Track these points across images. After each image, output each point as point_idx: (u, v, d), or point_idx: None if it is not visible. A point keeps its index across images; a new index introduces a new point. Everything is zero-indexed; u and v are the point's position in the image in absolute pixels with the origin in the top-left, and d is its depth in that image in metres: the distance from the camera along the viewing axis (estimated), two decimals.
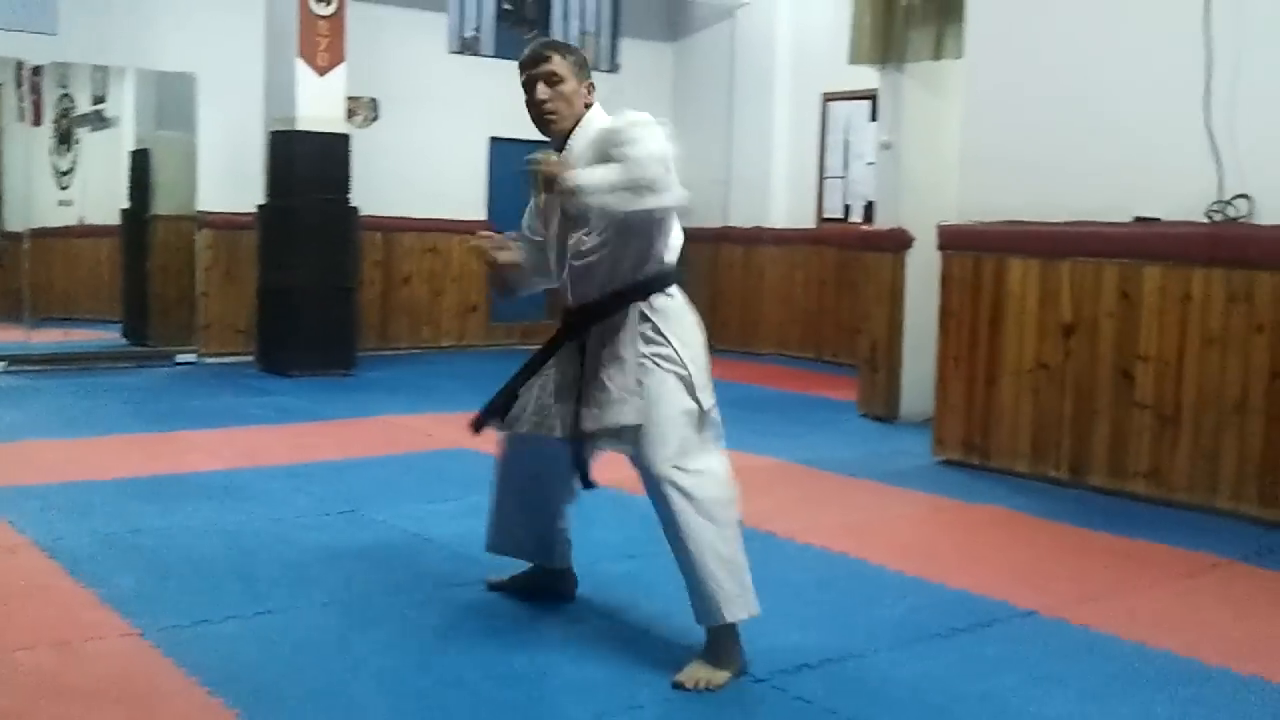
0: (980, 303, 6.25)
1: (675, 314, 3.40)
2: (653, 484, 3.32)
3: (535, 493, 3.78)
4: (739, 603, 3.28)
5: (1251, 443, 5.17)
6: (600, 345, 3.37)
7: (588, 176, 3.12)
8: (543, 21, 11.99)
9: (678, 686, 3.19)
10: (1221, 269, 5.26)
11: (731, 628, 3.30)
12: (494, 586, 4.00)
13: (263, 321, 9.78)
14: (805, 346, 11.27)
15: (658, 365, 3.32)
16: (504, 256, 3.61)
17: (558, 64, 3.42)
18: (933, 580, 4.27)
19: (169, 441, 6.62)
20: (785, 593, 3.97)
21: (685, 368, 3.34)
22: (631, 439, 3.31)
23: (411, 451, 6.49)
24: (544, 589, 3.92)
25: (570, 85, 3.43)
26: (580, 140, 3.40)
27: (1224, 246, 5.25)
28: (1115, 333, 5.66)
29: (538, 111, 3.46)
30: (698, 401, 3.33)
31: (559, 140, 3.45)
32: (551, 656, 3.44)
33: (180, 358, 10.01)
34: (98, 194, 11.16)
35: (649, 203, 3.14)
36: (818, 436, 7.26)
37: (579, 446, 3.39)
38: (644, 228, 3.31)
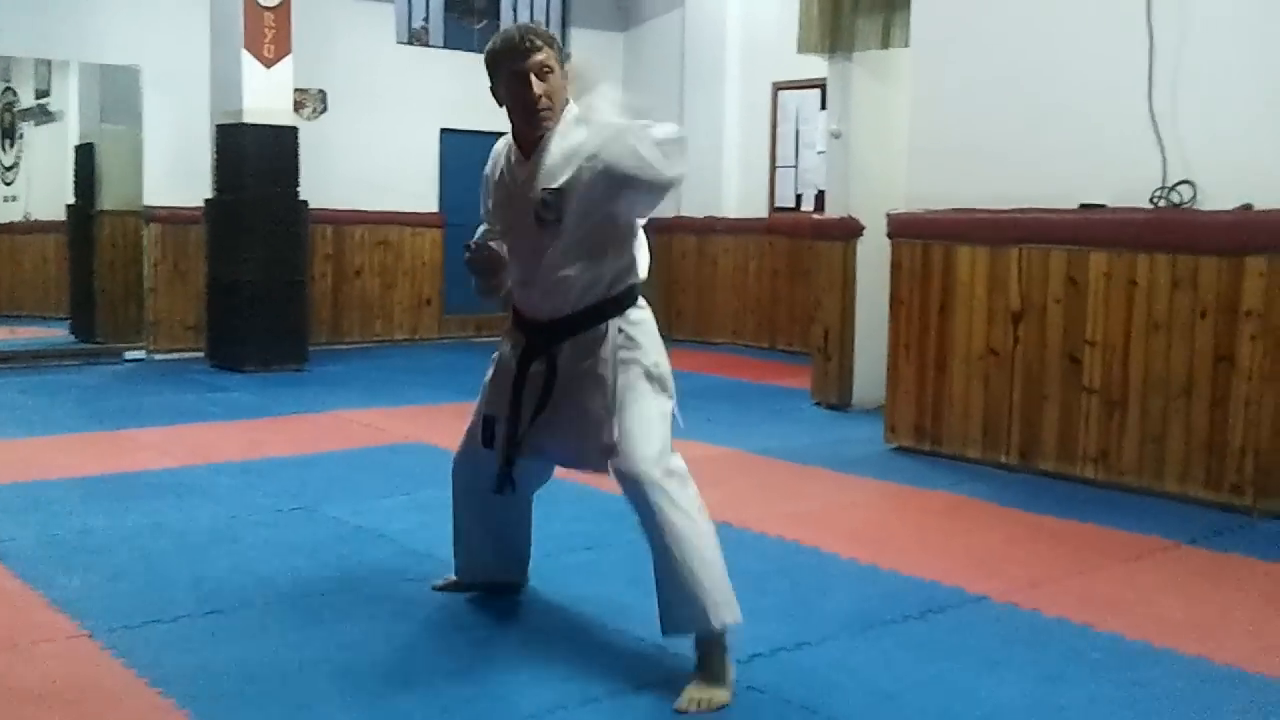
0: (930, 290, 6.30)
1: (648, 325, 3.32)
2: (635, 487, 3.15)
3: (500, 513, 3.67)
4: (726, 608, 3.13)
5: (1197, 426, 5.25)
6: (575, 363, 3.25)
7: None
8: (492, 11, 11.95)
9: (680, 712, 3.00)
10: (1166, 254, 5.32)
11: (721, 639, 3.14)
12: (441, 589, 3.89)
13: (212, 317, 9.69)
14: (759, 335, 11.31)
15: (635, 367, 3.23)
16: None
17: (547, 55, 3.20)
18: (885, 567, 4.30)
19: (118, 440, 6.56)
20: (739, 582, 3.94)
21: (660, 371, 3.28)
22: (609, 454, 3.18)
23: (364, 446, 6.46)
24: (493, 585, 3.86)
25: (558, 79, 3.22)
26: (562, 140, 3.21)
27: (1168, 232, 5.31)
28: (1063, 318, 5.71)
29: (530, 108, 3.20)
30: (672, 404, 3.29)
31: (533, 144, 3.25)
32: (507, 651, 3.44)
33: (129, 354, 9.91)
34: (43, 189, 11.05)
35: (677, 169, 3.07)
36: (772, 425, 7.29)
37: (544, 466, 3.36)
38: (625, 235, 3.24)
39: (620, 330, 3.25)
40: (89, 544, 4.47)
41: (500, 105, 3.32)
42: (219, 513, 4.95)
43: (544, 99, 3.19)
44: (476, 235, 3.42)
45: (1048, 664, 3.41)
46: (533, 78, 3.18)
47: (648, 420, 3.20)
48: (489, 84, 3.33)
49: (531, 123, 3.23)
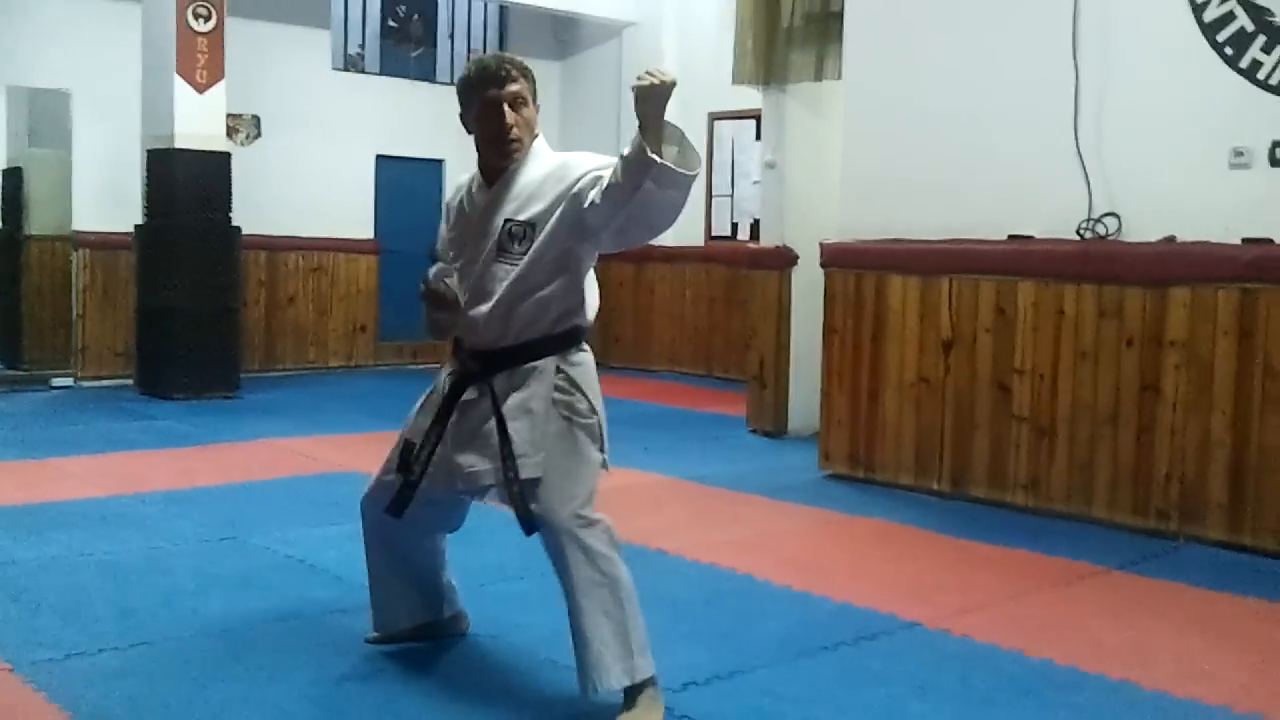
0: (862, 319, 6.36)
1: (587, 369, 3.25)
2: (552, 536, 3.10)
3: (414, 550, 3.57)
4: (617, 670, 3.05)
5: (1124, 453, 5.33)
6: (506, 394, 3.18)
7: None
8: (429, 39, 11.94)
9: None
10: (1092, 285, 5.42)
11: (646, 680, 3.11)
12: (376, 641, 3.66)
13: (142, 343, 9.56)
14: (696, 363, 11.35)
15: (572, 418, 3.16)
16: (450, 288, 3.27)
17: (523, 86, 3.17)
18: (818, 594, 4.32)
19: (43, 469, 6.43)
20: (673, 610, 3.98)
21: (596, 422, 3.21)
22: (529, 493, 3.11)
23: (295, 475, 6.39)
24: (432, 631, 3.70)
25: (530, 111, 3.20)
26: (530, 173, 3.17)
27: (1094, 263, 5.41)
28: (993, 347, 5.79)
29: (501, 138, 3.17)
30: (602, 457, 3.22)
31: (497, 173, 3.21)
32: (441, 681, 3.41)
33: (56, 381, 9.75)
34: None
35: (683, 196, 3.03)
36: (707, 452, 7.31)
37: (474, 497, 3.27)
38: (575, 273, 3.18)
39: (560, 371, 3.19)
40: (11, 575, 4.37)
41: (469, 133, 3.28)
42: (146, 543, 4.87)
43: (514, 129, 3.16)
44: (431, 271, 3.32)
45: (979, 689, 3.43)
46: (506, 107, 3.15)
47: (577, 471, 3.14)
48: (459, 110, 3.29)
49: (501, 152, 3.19)
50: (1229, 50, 5.10)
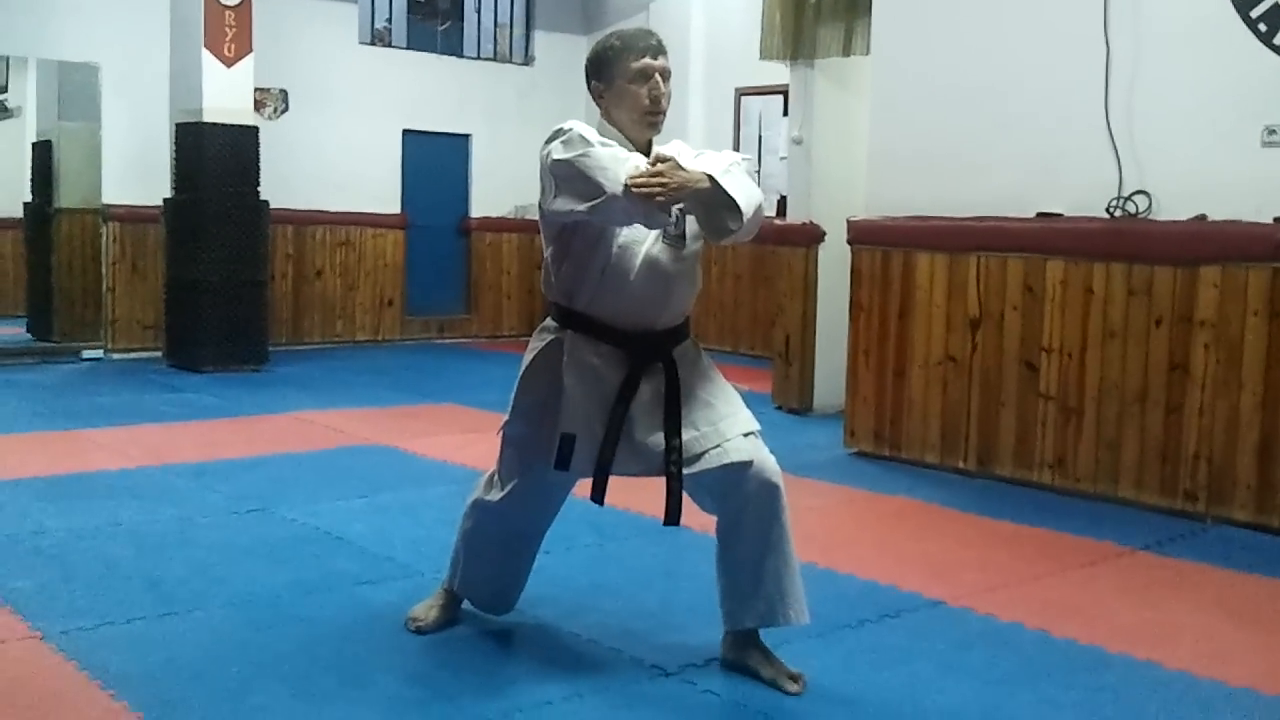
0: (889, 296, 6.34)
1: None
2: (770, 489, 3.23)
3: (520, 545, 3.56)
4: (801, 606, 3.30)
5: (1151, 433, 5.30)
6: (684, 369, 3.25)
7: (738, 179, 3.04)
8: (456, 13, 11.92)
9: (806, 690, 3.20)
10: (1122, 263, 5.38)
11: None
12: (419, 628, 3.59)
13: (171, 317, 9.61)
14: (722, 339, 11.33)
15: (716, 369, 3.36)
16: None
17: (667, 63, 3.21)
18: (842, 571, 4.32)
19: (74, 440, 6.49)
20: (696, 587, 3.98)
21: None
22: (754, 448, 3.22)
23: (323, 448, 6.42)
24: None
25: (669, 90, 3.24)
26: (679, 158, 3.07)
27: (1124, 241, 5.37)
28: (1020, 326, 5.76)
29: (652, 106, 3.15)
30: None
31: (642, 146, 3.17)
32: (461, 655, 3.43)
33: (86, 354, 9.82)
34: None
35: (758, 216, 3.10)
36: None
37: (673, 481, 3.19)
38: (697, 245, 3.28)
39: (695, 341, 3.38)
40: (43, 545, 4.42)
41: (599, 99, 3.24)
42: (175, 514, 4.91)
43: (664, 100, 3.18)
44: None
45: (1003, 668, 3.43)
46: (659, 78, 3.16)
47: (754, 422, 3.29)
48: (593, 79, 3.24)
49: (649, 122, 3.18)
50: (1262, 27, 5.03)
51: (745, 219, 3.04)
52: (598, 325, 3.21)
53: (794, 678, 3.23)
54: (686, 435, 3.19)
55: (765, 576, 3.26)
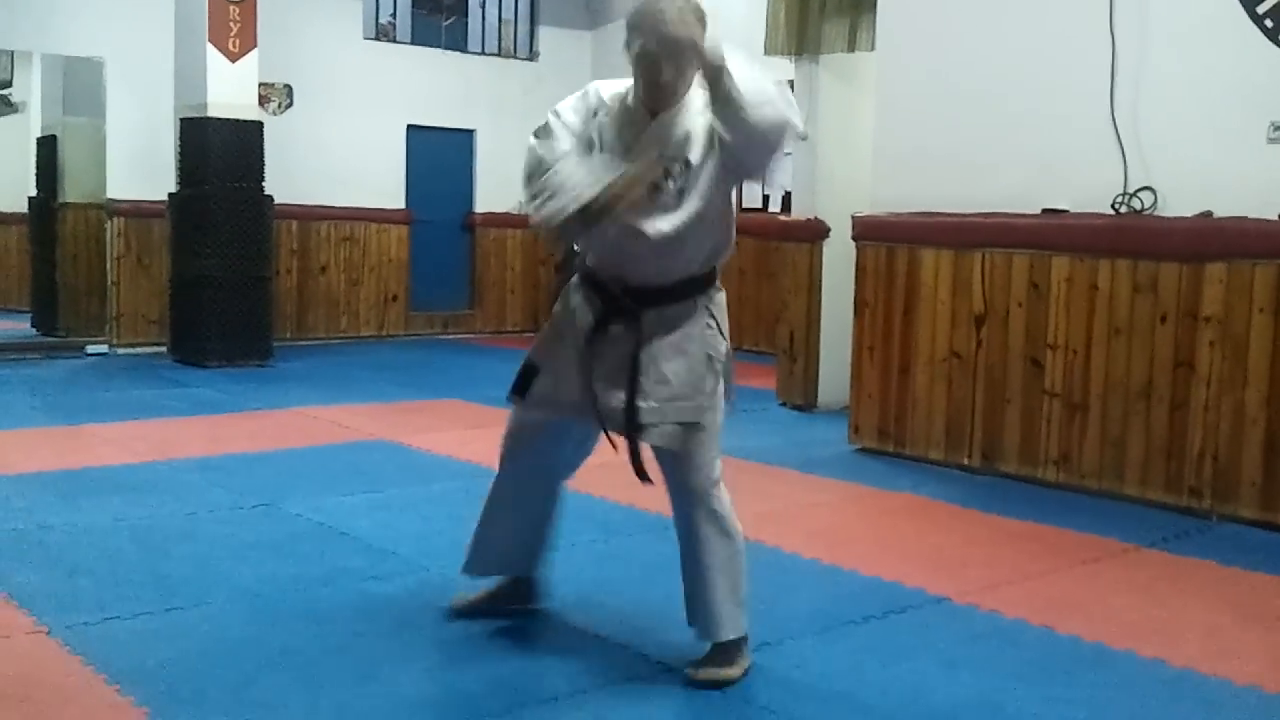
0: (894, 293, 6.33)
1: (724, 306, 3.32)
2: (689, 497, 3.24)
3: (536, 493, 3.55)
4: (729, 624, 3.25)
5: (1156, 430, 5.30)
6: (658, 334, 3.19)
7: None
8: (460, 8, 11.92)
9: (689, 681, 3.20)
10: (1127, 260, 5.37)
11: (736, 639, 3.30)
12: (459, 611, 3.68)
13: (175, 312, 9.63)
14: None
15: (713, 360, 3.23)
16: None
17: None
18: (847, 568, 4.32)
19: (79, 435, 6.50)
20: None
21: (731, 364, 3.29)
22: (683, 440, 3.20)
23: (327, 444, 6.43)
24: (513, 600, 3.68)
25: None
26: (692, 113, 3.18)
27: (1129, 238, 5.36)
28: (1025, 322, 5.76)
29: (648, 93, 3.16)
30: (729, 398, 3.32)
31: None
32: (466, 651, 3.43)
33: (91, 348, 9.83)
34: (4, 181, 10.94)
35: (789, 119, 3.02)
36: (737, 425, 7.21)
37: (631, 441, 3.21)
38: (728, 213, 3.23)
39: (708, 312, 3.26)
40: (48, 540, 4.43)
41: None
42: (179, 509, 4.92)
43: (663, 86, 3.12)
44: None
45: (1007, 665, 3.43)
46: (661, 63, 3.10)
47: (715, 428, 3.26)
48: (627, 42, 3.16)
49: (649, 102, 3.16)
50: (1269, 23, 5.02)
51: (749, 111, 2.96)
52: (589, 272, 3.34)
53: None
54: (639, 401, 3.18)
55: (684, 578, 3.34)
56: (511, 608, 3.68)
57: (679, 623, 3.41)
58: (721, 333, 3.29)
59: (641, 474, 3.24)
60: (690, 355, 3.21)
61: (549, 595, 3.75)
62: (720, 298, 3.33)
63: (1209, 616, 3.93)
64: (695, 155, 3.14)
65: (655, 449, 3.24)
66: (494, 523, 3.59)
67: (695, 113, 3.17)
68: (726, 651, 3.27)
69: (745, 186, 11.16)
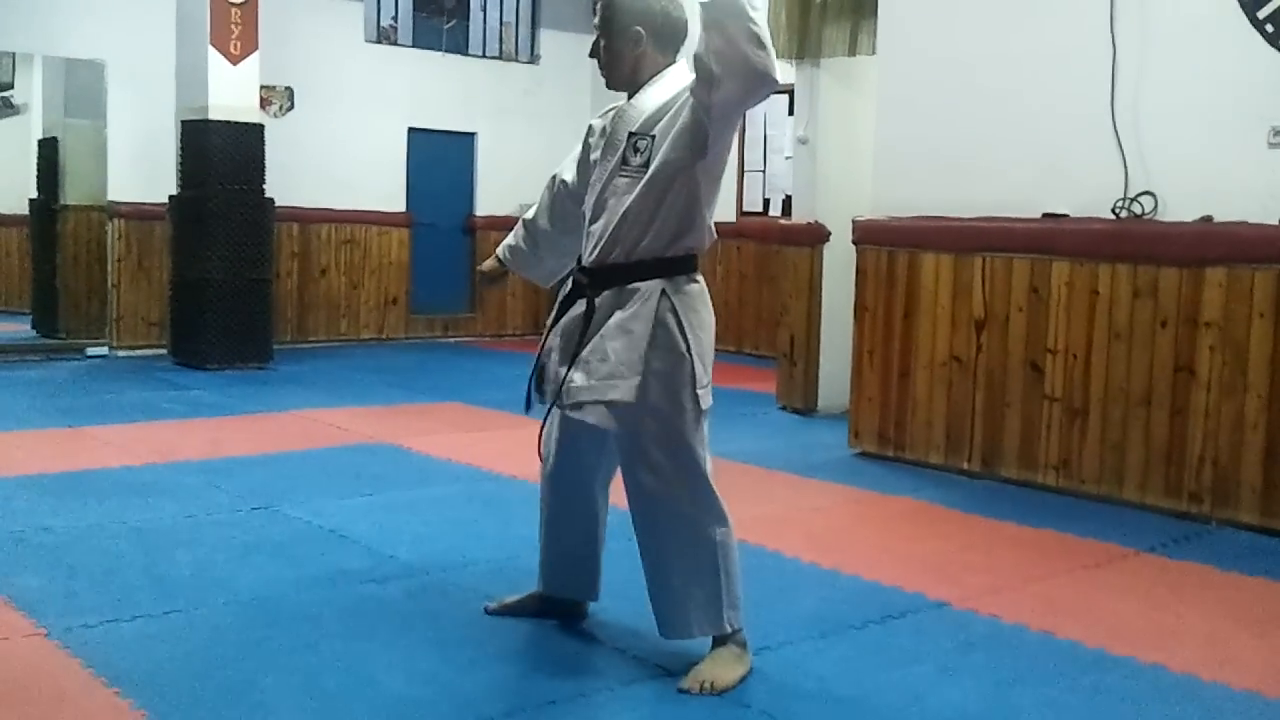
0: (894, 297, 6.33)
1: (697, 301, 3.22)
2: (629, 472, 3.25)
3: (568, 503, 3.53)
4: (699, 623, 3.24)
5: (1157, 435, 5.30)
6: (609, 313, 3.17)
7: None
8: (461, 11, 11.92)
9: (684, 690, 3.15)
10: (1127, 265, 5.37)
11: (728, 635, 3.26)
12: (494, 612, 3.72)
13: (176, 314, 9.63)
14: (726, 339, 11.25)
15: (670, 351, 3.15)
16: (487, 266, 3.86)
17: (601, 27, 3.40)
18: (846, 572, 4.32)
19: (78, 437, 6.50)
20: None
21: (692, 360, 3.16)
22: (622, 419, 3.14)
23: (327, 446, 6.43)
24: (555, 613, 3.68)
25: (621, 44, 3.33)
26: (660, 91, 3.26)
27: (1129, 243, 5.37)
28: (1025, 327, 5.76)
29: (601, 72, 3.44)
30: (696, 399, 3.18)
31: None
32: (466, 654, 3.43)
33: (91, 350, 9.83)
34: (5, 183, 10.95)
35: (763, 60, 2.90)
36: (737, 429, 7.29)
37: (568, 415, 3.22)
38: (695, 193, 3.15)
39: (666, 297, 3.15)
40: (48, 542, 4.43)
41: None
42: (179, 512, 4.92)
43: (602, 65, 3.37)
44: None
45: (1006, 670, 3.43)
46: (600, 41, 3.36)
47: (661, 410, 3.17)
48: None
49: (604, 75, 3.41)
50: (1269, 28, 5.03)
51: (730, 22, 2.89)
52: (579, 260, 3.40)
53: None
54: (574, 373, 3.16)
55: (644, 569, 3.35)
56: (548, 616, 3.68)
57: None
58: (681, 323, 3.16)
59: (529, 402, 3.35)
60: (634, 335, 3.12)
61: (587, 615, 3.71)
62: (691, 289, 3.21)
63: (1209, 622, 3.93)
64: (660, 127, 3.17)
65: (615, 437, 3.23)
66: (544, 537, 3.62)
67: (666, 88, 3.23)
68: (718, 656, 3.24)
69: (746, 190, 11.18)
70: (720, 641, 3.27)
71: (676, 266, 3.20)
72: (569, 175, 3.59)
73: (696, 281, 3.25)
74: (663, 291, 3.16)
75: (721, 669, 3.22)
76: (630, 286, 3.17)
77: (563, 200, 3.62)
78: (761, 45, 2.91)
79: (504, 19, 12.21)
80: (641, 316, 3.14)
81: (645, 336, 3.13)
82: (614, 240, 3.18)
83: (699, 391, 3.19)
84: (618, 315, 3.15)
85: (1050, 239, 5.65)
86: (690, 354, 3.17)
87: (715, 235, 3.30)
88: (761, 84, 2.97)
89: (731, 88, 2.98)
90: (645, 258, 3.17)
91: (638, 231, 3.16)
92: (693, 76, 3.06)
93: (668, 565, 3.26)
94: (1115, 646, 3.62)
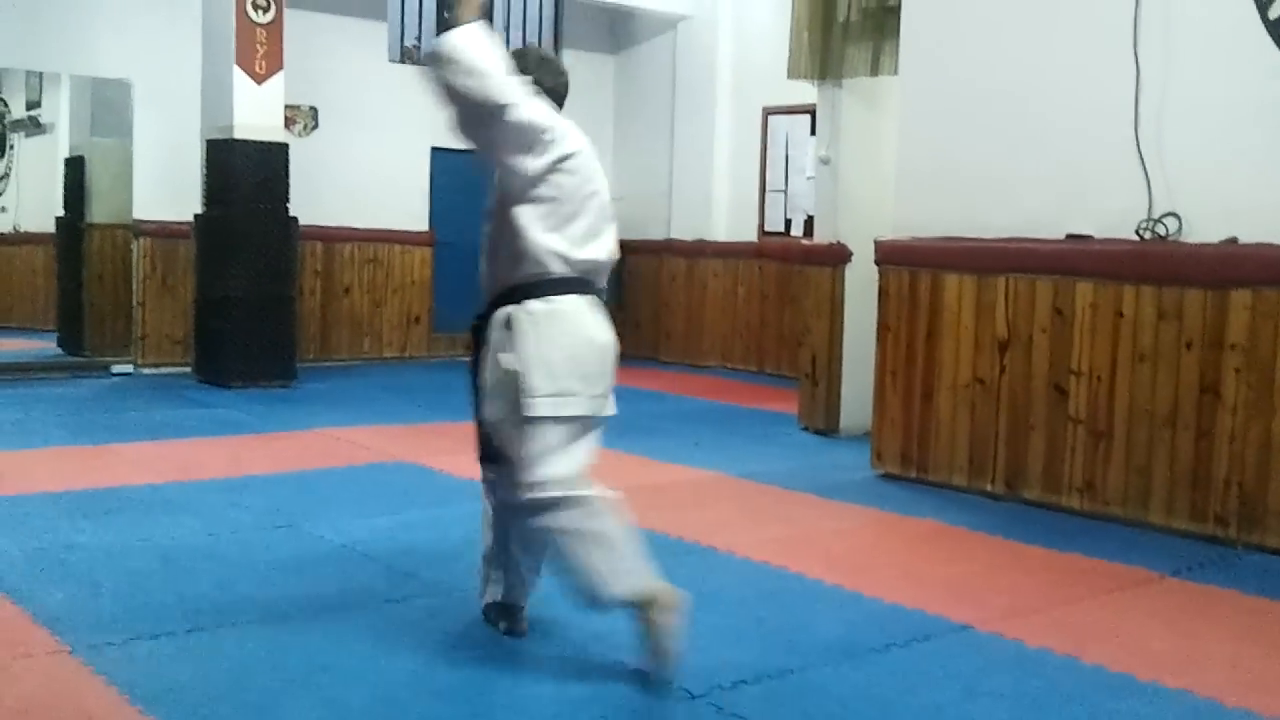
0: (917, 317, 6.31)
1: (539, 317, 3.37)
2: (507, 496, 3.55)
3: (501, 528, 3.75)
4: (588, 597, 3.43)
5: (1182, 457, 5.26)
6: (487, 342, 3.47)
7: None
8: None
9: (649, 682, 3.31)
10: (1152, 286, 5.35)
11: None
12: (488, 608, 3.81)
13: (200, 332, 9.68)
14: (748, 359, 11.32)
15: (505, 367, 3.37)
16: None
17: None
18: (869, 595, 4.30)
19: (103, 454, 6.53)
20: (723, 607, 3.99)
21: (517, 372, 3.33)
22: (493, 431, 3.45)
23: (350, 465, 6.44)
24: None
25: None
26: None
27: (1154, 264, 5.34)
28: (1049, 348, 5.73)
29: None
30: (533, 402, 3.33)
31: None
32: (487, 672, 3.43)
33: (116, 368, 9.89)
34: (32, 201, 11.05)
35: (468, 83, 3.37)
36: (759, 449, 7.29)
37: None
38: (511, 219, 3.41)
39: (510, 316, 3.38)
40: (71, 559, 4.45)
41: None
42: (202, 530, 4.93)
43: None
44: None
45: (1031, 694, 3.41)
46: None
47: (511, 435, 3.41)
48: None
49: None
50: None
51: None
52: None
53: None
54: (485, 400, 3.47)
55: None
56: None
57: (699, 649, 3.40)
58: (514, 339, 3.36)
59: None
60: (493, 359, 3.42)
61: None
62: (536, 305, 3.38)
63: (1235, 647, 3.89)
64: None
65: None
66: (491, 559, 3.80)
67: None
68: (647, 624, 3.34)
69: (768, 211, 11.18)
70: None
71: (528, 289, 3.41)
72: None
73: (550, 299, 3.40)
74: (509, 315, 3.40)
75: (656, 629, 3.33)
76: (496, 315, 3.45)
77: None
78: (436, 61, 3.39)
79: (526, 39, 12.25)
80: (493, 342, 3.43)
81: (493, 356, 3.42)
82: (489, 276, 3.54)
83: (533, 400, 3.33)
84: (487, 346, 3.46)
85: (1074, 260, 5.63)
86: (523, 366, 3.34)
87: (613, 255, 3.55)
88: (444, 95, 3.45)
89: (448, 114, 3.47)
90: (506, 287, 3.45)
91: (494, 265, 3.52)
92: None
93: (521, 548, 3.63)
94: (1141, 671, 3.59)
